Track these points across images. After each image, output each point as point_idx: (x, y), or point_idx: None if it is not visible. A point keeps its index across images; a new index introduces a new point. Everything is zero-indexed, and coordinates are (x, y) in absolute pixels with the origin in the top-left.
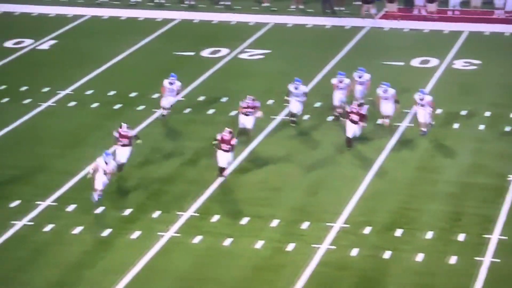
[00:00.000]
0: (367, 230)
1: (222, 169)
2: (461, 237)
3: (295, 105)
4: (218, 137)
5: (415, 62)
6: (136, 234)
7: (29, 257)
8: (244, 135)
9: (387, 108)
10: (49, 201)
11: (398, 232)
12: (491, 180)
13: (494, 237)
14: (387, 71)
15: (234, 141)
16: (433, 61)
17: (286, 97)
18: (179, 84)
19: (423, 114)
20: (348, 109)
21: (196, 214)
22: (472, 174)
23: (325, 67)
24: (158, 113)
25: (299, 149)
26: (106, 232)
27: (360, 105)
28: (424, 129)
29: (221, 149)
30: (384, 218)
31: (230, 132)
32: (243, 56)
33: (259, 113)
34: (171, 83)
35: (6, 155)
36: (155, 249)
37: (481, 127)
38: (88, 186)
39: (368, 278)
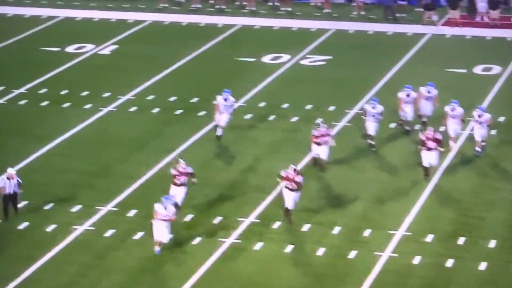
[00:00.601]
0: (429, 238)
1: (287, 211)
2: None
3: (371, 126)
4: (283, 174)
5: (478, 70)
6: (197, 240)
7: (91, 262)
8: (318, 165)
9: (454, 127)
10: (110, 206)
11: (461, 240)
12: None
13: None
14: (449, 79)
15: (299, 179)
16: (496, 69)
17: (363, 117)
18: (233, 100)
19: (480, 133)
20: (422, 136)
21: (257, 221)
22: None
23: (386, 74)
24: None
25: (361, 155)
26: (167, 238)
27: (424, 122)
28: (479, 149)
29: (286, 187)
30: (447, 226)
31: (295, 170)
32: (304, 62)
33: (331, 142)
34: (225, 99)
35: (67, 160)
36: (216, 255)
37: None
38: (149, 191)
39: (430, 286)
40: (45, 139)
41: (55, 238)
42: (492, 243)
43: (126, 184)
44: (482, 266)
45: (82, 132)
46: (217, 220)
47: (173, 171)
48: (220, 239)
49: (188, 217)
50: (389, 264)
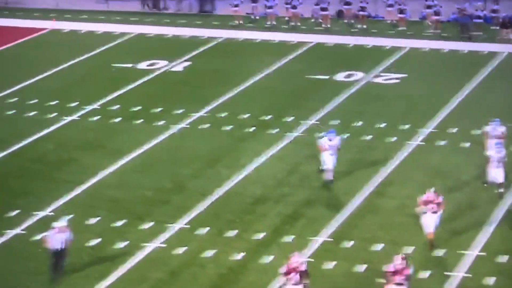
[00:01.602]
0: (504, 258)
1: None
2: None
3: (498, 173)
4: (389, 269)
5: None
6: (269, 259)
7: (163, 279)
8: (428, 243)
9: None
10: (182, 224)
11: None
12: None
13: None
14: None
15: (409, 271)
16: None
17: (488, 164)
18: (339, 139)
19: None
20: None
21: (330, 239)
22: None
23: (461, 93)
24: (291, 136)
25: (435, 174)
26: (239, 256)
27: None
28: None
29: (394, 283)
30: None
31: (404, 259)
32: (378, 80)
33: (440, 211)
34: (330, 139)
35: (140, 176)
36: None
37: None
38: (221, 208)
39: None
40: (118, 155)
41: (127, 254)
42: None
43: (198, 201)
44: None
45: (155, 149)
46: (289, 238)
47: (283, 272)
48: None
49: (261, 235)
50: (462, 284)
